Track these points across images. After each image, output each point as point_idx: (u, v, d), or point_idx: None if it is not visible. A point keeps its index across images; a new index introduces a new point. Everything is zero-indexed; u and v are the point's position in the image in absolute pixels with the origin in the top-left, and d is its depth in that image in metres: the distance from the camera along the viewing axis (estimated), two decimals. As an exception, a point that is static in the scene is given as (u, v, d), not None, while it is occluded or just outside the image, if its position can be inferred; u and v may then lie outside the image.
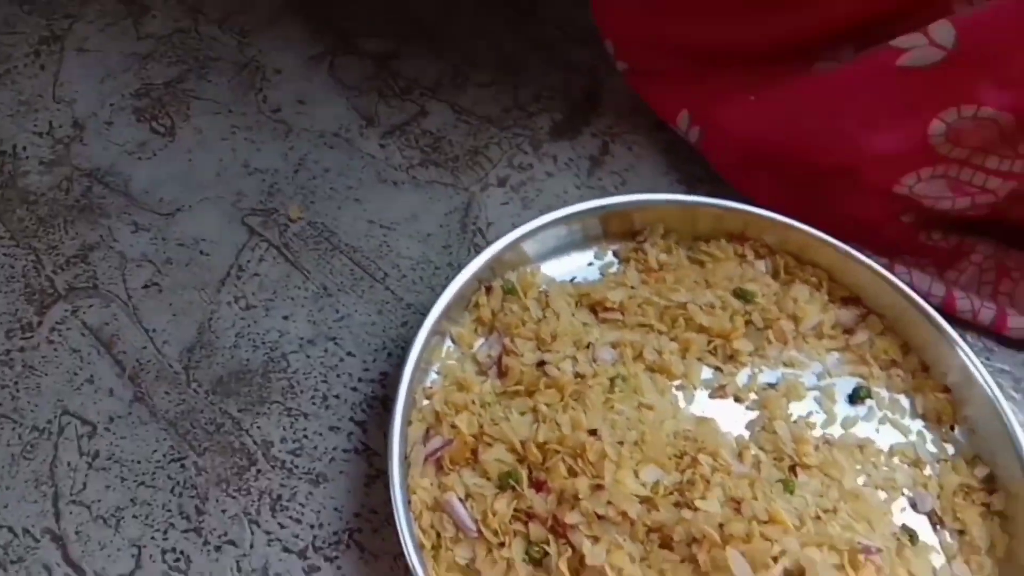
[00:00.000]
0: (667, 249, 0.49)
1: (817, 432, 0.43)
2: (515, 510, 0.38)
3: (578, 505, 0.37)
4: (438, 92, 0.58)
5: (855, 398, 0.45)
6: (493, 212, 0.53)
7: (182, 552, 0.41)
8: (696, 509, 0.37)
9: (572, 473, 0.38)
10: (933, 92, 0.44)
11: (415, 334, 0.41)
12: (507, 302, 0.46)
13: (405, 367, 0.40)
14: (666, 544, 0.37)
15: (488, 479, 0.39)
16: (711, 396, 0.45)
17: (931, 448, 0.44)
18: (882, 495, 0.41)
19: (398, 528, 0.37)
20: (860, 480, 0.42)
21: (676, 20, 0.52)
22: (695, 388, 0.44)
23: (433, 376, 0.44)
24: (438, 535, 0.38)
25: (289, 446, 0.44)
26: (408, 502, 0.38)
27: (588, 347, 0.44)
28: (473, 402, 0.41)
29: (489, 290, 0.46)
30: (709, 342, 0.45)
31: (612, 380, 0.42)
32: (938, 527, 0.41)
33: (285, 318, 0.48)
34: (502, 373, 0.44)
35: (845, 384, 0.45)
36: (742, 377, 0.45)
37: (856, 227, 0.48)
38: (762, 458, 0.41)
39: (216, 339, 0.47)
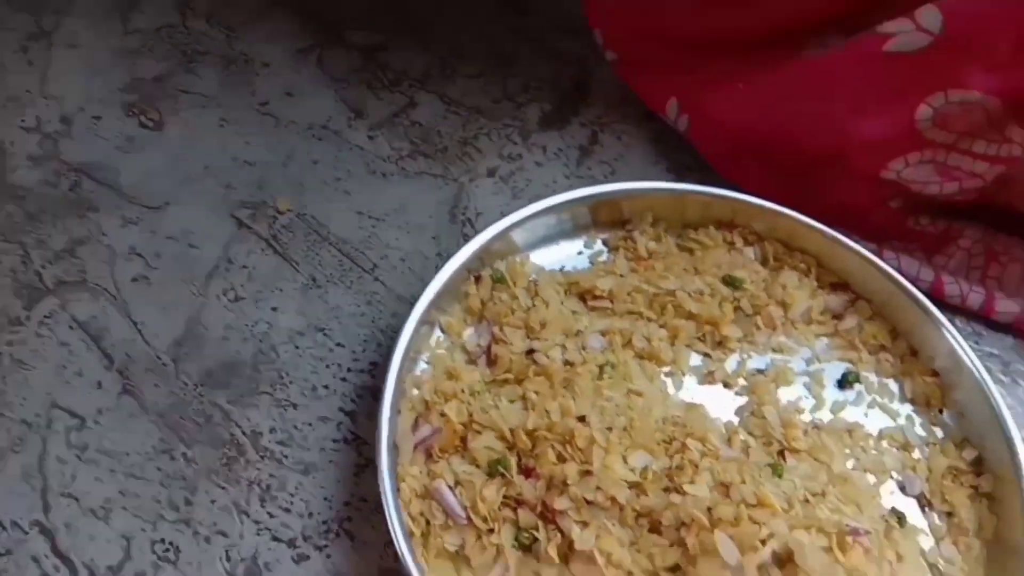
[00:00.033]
0: (656, 237, 0.49)
1: (806, 417, 0.43)
2: (504, 497, 0.38)
3: (567, 491, 0.37)
4: (427, 83, 0.58)
5: (844, 383, 0.45)
6: (482, 202, 0.53)
7: (171, 543, 0.41)
8: (685, 493, 0.37)
9: (561, 459, 0.38)
10: (920, 77, 0.44)
11: (404, 324, 0.41)
12: (496, 291, 0.46)
13: (394, 356, 0.40)
14: (655, 528, 0.37)
15: (477, 466, 0.39)
16: (700, 382, 0.45)
17: (920, 432, 0.44)
18: (871, 478, 0.42)
19: (387, 516, 0.37)
20: (849, 464, 0.42)
21: (664, 9, 0.52)
22: (684, 374, 0.44)
23: (423, 366, 0.44)
24: (427, 522, 0.38)
25: (279, 436, 0.44)
26: (397, 490, 0.38)
27: (577, 335, 0.44)
28: (463, 391, 0.41)
29: (478, 279, 0.46)
30: (698, 329, 0.45)
31: (601, 367, 0.42)
32: (927, 509, 0.41)
33: (274, 310, 0.48)
34: (491, 362, 0.44)
35: (834, 369, 0.45)
36: (731, 363, 0.45)
37: (844, 213, 0.48)
38: (751, 443, 0.41)
39: (205, 331, 0.47)
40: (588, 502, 0.37)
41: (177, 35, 0.60)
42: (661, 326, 0.45)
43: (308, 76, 0.58)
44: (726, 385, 0.45)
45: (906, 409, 0.44)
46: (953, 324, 0.44)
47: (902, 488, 0.42)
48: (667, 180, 0.53)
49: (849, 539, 0.36)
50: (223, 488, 0.42)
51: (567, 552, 0.37)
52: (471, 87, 0.58)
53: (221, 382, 0.45)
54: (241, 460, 0.43)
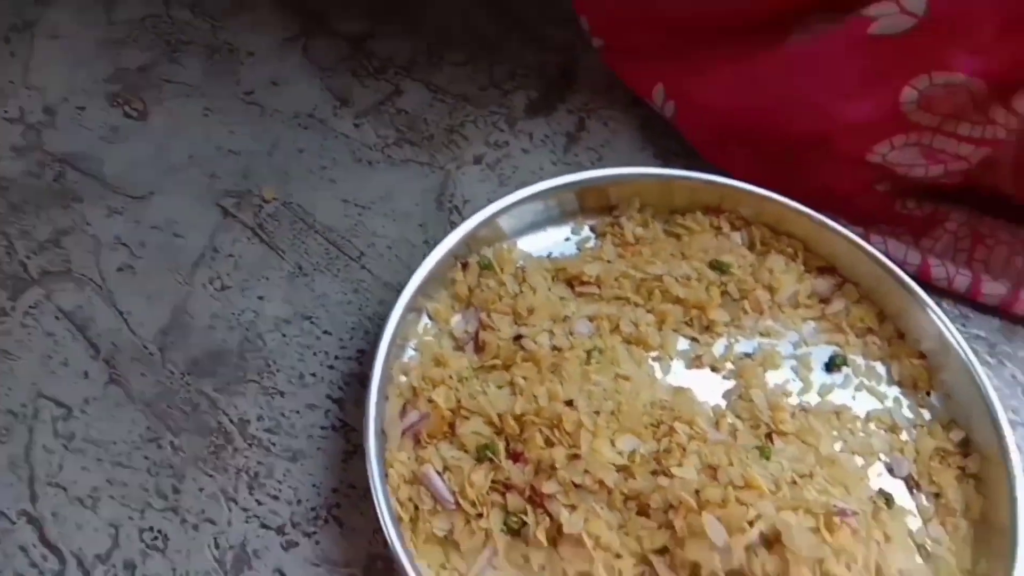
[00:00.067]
0: (643, 223, 0.49)
1: (794, 400, 0.43)
2: (493, 481, 0.38)
3: (555, 475, 0.37)
4: (413, 71, 0.58)
5: (831, 366, 0.45)
6: (469, 190, 0.53)
7: (159, 531, 0.41)
8: (672, 476, 0.37)
9: (549, 443, 0.38)
10: (904, 59, 0.44)
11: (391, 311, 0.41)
12: (483, 278, 0.46)
13: (381, 343, 0.40)
14: (643, 511, 0.37)
15: (465, 451, 0.39)
16: (688, 367, 0.45)
17: (907, 414, 0.44)
18: (859, 460, 0.42)
19: (375, 502, 0.37)
20: (837, 446, 0.42)
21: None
22: (672, 359, 0.44)
23: (410, 352, 0.44)
24: (416, 508, 0.38)
25: (266, 424, 0.44)
26: (385, 476, 0.38)
27: (565, 320, 0.44)
28: (450, 377, 0.41)
29: (465, 266, 0.46)
30: (685, 314, 0.45)
31: (589, 352, 0.42)
32: (914, 491, 0.41)
33: (260, 298, 0.48)
34: (479, 348, 0.44)
35: (821, 352, 0.45)
36: (718, 347, 0.45)
37: (831, 197, 0.48)
38: (739, 426, 0.41)
39: (191, 320, 0.47)
40: (576, 486, 0.37)
41: (161, 25, 0.60)
42: (648, 311, 0.45)
43: (293, 65, 0.58)
44: (713, 369, 0.45)
45: (893, 391, 0.45)
46: (940, 307, 0.44)
47: (890, 470, 0.42)
48: (654, 166, 0.53)
49: (837, 520, 0.36)
50: (211, 476, 0.42)
51: (556, 536, 0.37)
52: (457, 74, 0.58)
53: (208, 371, 0.45)
54: (228, 448, 0.43)
